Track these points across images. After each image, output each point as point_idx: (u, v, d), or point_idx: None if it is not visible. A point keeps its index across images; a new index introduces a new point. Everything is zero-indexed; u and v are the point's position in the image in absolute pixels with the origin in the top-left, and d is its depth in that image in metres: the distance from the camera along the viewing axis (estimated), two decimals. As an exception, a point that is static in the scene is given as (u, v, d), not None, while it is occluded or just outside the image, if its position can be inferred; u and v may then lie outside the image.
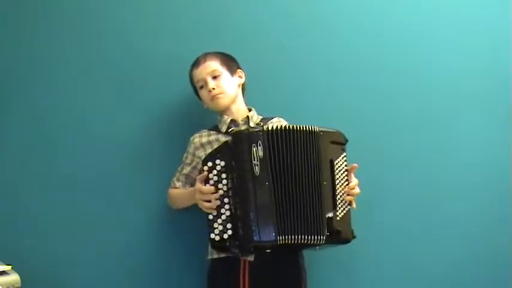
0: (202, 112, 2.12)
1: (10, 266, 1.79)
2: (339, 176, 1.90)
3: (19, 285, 1.77)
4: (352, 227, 1.91)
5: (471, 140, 2.31)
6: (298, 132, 1.85)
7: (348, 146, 1.94)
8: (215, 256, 1.95)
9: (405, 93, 2.31)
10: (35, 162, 2.14)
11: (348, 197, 1.90)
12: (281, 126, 1.85)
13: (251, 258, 1.92)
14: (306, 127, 1.86)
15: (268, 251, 1.86)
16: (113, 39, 2.21)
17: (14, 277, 1.77)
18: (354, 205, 1.93)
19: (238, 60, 2.10)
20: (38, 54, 2.19)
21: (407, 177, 2.27)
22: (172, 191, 2.08)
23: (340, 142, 1.92)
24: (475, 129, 2.31)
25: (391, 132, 2.28)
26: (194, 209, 1.93)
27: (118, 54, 2.21)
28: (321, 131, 1.88)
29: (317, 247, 1.90)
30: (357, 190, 1.93)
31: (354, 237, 1.91)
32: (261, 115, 2.09)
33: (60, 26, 2.21)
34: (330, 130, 1.91)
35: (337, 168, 1.89)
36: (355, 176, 1.95)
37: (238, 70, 2.09)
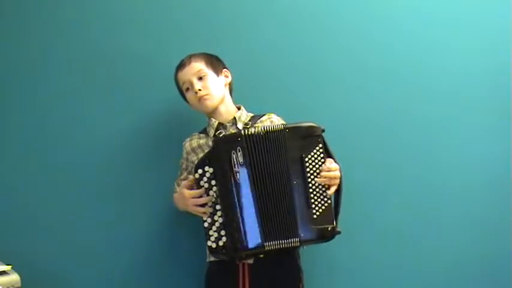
0: (198, 112, 2.11)
1: (10, 266, 1.80)
2: (314, 171, 1.85)
3: (19, 285, 1.78)
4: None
5: (471, 141, 2.28)
6: (268, 133, 1.83)
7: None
8: (213, 259, 1.95)
9: (404, 94, 2.28)
10: (34, 162, 2.15)
11: (324, 179, 1.85)
12: (257, 129, 1.84)
13: (250, 260, 1.92)
14: (271, 127, 1.85)
15: (261, 256, 1.87)
16: (110, 42, 2.21)
17: (14, 277, 1.78)
18: (333, 189, 1.87)
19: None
20: (38, 55, 2.19)
21: (407, 179, 2.25)
22: (174, 195, 2.07)
23: (312, 134, 1.86)
24: (475, 131, 2.29)
25: (390, 134, 2.26)
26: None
27: (115, 55, 2.20)
28: (287, 129, 1.85)
29: (303, 246, 1.90)
30: (335, 174, 1.87)
31: (337, 232, 1.86)
32: (251, 112, 2.07)
33: (59, 26, 2.21)
34: (298, 125, 1.87)
35: (310, 163, 1.85)
36: (337, 162, 1.89)
37: (224, 70, 2.04)
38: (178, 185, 2.06)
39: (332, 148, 1.91)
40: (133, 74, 2.21)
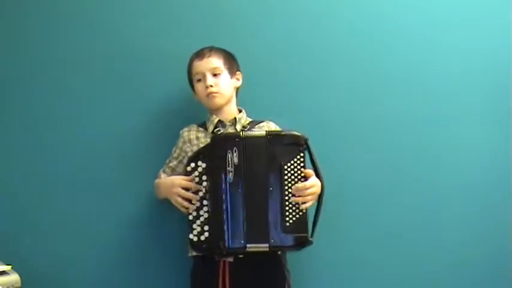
0: (195, 109, 2.11)
1: (10, 266, 1.80)
2: (292, 180, 1.87)
3: (19, 285, 1.78)
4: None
5: (471, 141, 2.28)
6: (256, 138, 1.88)
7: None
8: (194, 253, 1.95)
9: (404, 94, 2.28)
10: (34, 162, 2.15)
11: (298, 198, 1.85)
12: (247, 132, 1.89)
13: (230, 258, 1.92)
14: (255, 133, 1.90)
15: (240, 256, 1.89)
16: (107, 38, 2.21)
17: (14, 277, 1.78)
18: (308, 204, 1.87)
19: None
20: (35, 54, 2.19)
21: (406, 179, 2.25)
22: (156, 181, 2.06)
23: (294, 143, 1.88)
24: (475, 131, 2.29)
25: (390, 134, 2.26)
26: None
27: (112, 52, 2.21)
28: (269, 135, 1.88)
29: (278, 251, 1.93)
30: (311, 190, 1.88)
31: (309, 242, 1.86)
32: (250, 118, 2.08)
33: (56, 26, 2.21)
34: (280, 132, 1.92)
35: (289, 171, 1.87)
36: (320, 175, 1.91)
37: (238, 72, 2.07)
38: (164, 171, 2.06)
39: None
40: (134, 72, 2.20)
